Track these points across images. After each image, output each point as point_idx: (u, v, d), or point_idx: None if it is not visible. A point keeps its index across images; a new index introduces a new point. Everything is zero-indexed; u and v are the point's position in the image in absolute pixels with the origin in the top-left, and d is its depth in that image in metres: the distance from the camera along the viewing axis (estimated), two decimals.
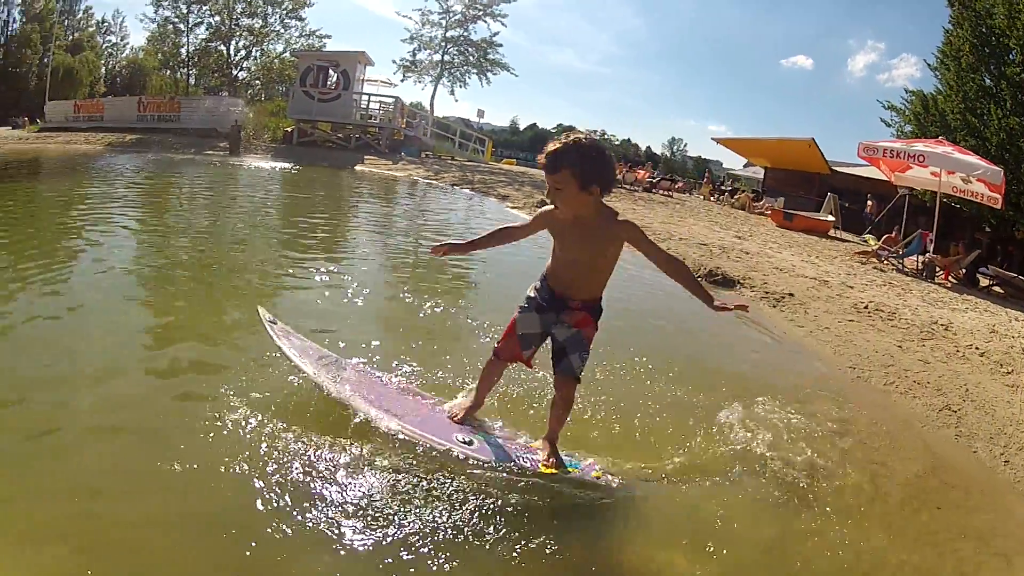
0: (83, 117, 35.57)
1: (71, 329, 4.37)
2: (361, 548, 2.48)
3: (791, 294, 7.63)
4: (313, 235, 8.96)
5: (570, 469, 3.16)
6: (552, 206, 3.00)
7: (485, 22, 37.44)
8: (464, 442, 3.15)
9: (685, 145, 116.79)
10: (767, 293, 7.67)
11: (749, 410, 4.08)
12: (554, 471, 3.11)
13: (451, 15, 37.34)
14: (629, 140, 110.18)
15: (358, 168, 24.10)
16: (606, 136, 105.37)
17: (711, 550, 2.85)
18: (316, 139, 30.18)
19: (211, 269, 6.47)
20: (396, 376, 3.85)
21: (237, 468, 2.79)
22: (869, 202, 22.77)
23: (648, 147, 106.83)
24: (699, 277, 7.92)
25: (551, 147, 2.82)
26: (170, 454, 2.87)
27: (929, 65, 22.69)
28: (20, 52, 50.36)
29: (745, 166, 33.43)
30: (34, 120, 37.74)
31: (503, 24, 37.96)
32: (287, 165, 22.84)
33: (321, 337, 4.26)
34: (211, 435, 3.03)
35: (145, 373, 3.76)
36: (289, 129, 30.72)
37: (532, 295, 3.24)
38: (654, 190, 25.58)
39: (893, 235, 15.21)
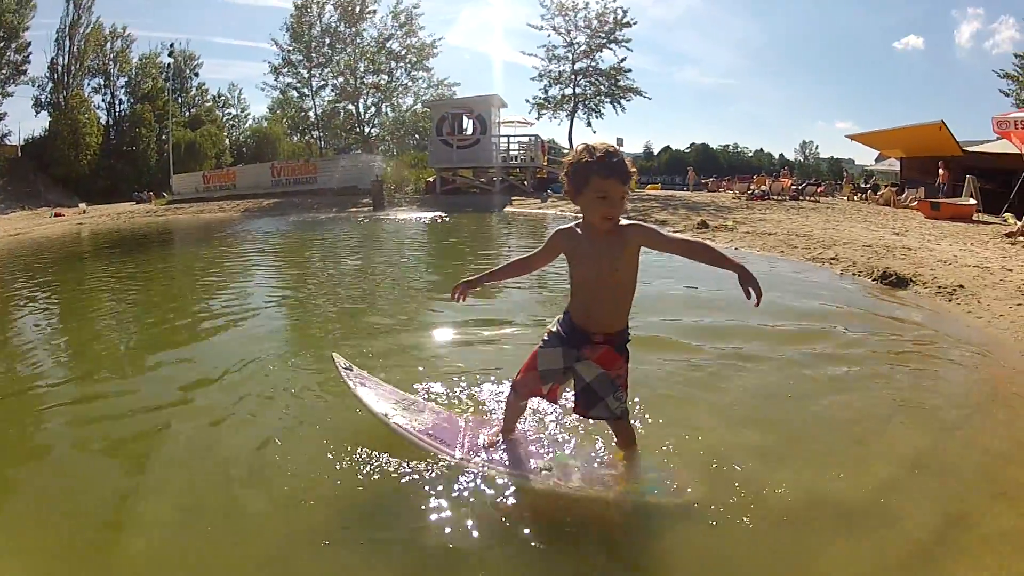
0: (214, 187, 37.23)
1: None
2: None
3: (961, 286, 8.01)
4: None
5: (649, 495, 3.12)
6: (567, 225, 3.07)
7: (611, 49, 37.87)
8: (543, 470, 3.22)
9: (817, 147, 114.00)
10: (940, 288, 8.02)
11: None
12: (634, 488, 3.16)
13: (576, 47, 38.03)
14: (762, 150, 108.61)
15: (506, 210, 24.71)
16: (738, 149, 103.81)
17: None
18: (459, 186, 30.75)
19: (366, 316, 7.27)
20: (468, 412, 3.97)
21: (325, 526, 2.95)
22: (941, 172, 22.41)
23: (781, 154, 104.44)
24: (873, 279, 8.63)
25: (616, 154, 2.82)
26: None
27: None
28: (134, 131, 52.80)
29: (877, 159, 32.87)
30: (160, 194, 39.22)
31: (628, 49, 38.19)
32: (433, 214, 23.48)
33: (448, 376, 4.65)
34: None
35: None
36: (431, 179, 31.37)
37: (554, 329, 3.22)
38: (801, 197, 25.75)
39: None
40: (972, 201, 19.29)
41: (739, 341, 5.72)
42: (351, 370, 3.92)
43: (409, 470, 3.27)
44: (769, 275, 9.34)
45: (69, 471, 3.59)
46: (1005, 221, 17.40)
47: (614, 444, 3.36)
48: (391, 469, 3.30)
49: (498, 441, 3.47)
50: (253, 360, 5.31)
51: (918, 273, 8.86)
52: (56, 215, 31.42)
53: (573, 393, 3.19)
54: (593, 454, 3.44)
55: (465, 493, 3.11)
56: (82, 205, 36.28)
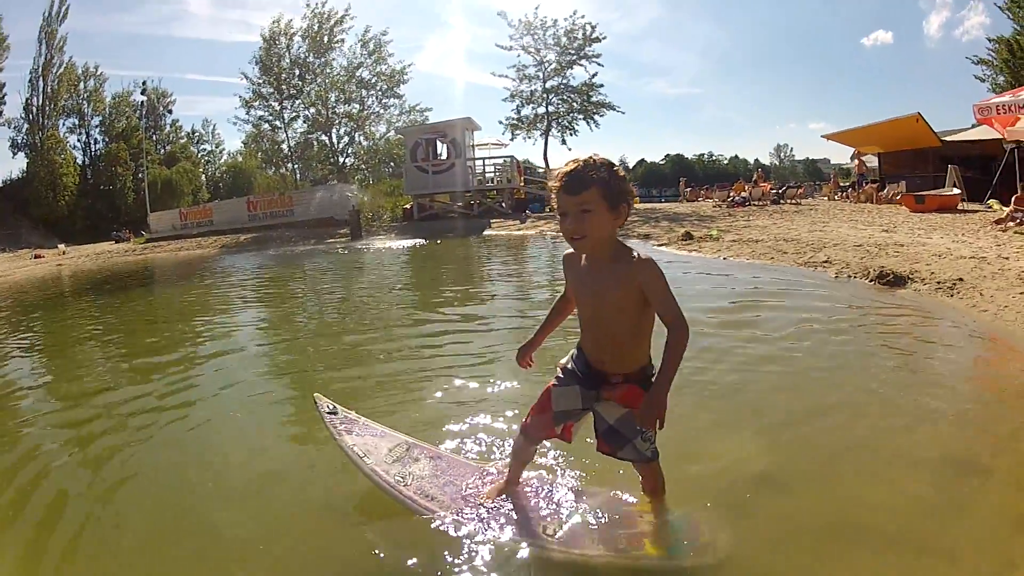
0: (191, 223, 37.07)
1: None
2: None
3: (960, 279, 7.86)
4: (446, 307, 9.25)
5: (675, 557, 2.74)
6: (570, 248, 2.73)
7: (581, 65, 37.73)
8: (550, 535, 2.80)
9: (792, 150, 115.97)
10: (939, 284, 7.85)
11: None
12: (659, 552, 2.78)
13: (546, 66, 37.86)
14: (736, 156, 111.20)
15: (486, 233, 24.40)
16: (713, 157, 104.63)
17: None
18: (437, 212, 30.66)
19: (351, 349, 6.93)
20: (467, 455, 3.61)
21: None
22: (856, 162, 23.81)
23: (756, 159, 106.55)
24: (870, 280, 8.50)
25: (570, 166, 2.54)
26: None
27: (999, 7, 22.25)
28: (111, 170, 53.15)
29: (852, 158, 33.19)
30: (138, 233, 39.11)
31: (599, 64, 38.11)
32: (413, 242, 23.30)
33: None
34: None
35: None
36: (408, 206, 31.28)
37: (569, 366, 2.86)
38: (782, 200, 25.92)
39: (1020, 194, 14.83)
40: (956, 191, 19.49)
41: (748, 357, 5.50)
42: (335, 414, 3.54)
43: (402, 535, 2.94)
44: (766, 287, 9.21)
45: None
46: (990, 208, 17.63)
47: (640, 490, 2.96)
48: (377, 534, 2.98)
49: (503, 494, 3.06)
50: (231, 406, 5.06)
51: (914, 270, 8.71)
52: (36, 256, 31.50)
53: (595, 431, 2.85)
54: (612, 506, 2.99)
55: (462, 563, 2.70)
56: (61, 246, 36.09)
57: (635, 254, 2.56)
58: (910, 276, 8.41)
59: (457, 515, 2.94)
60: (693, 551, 2.75)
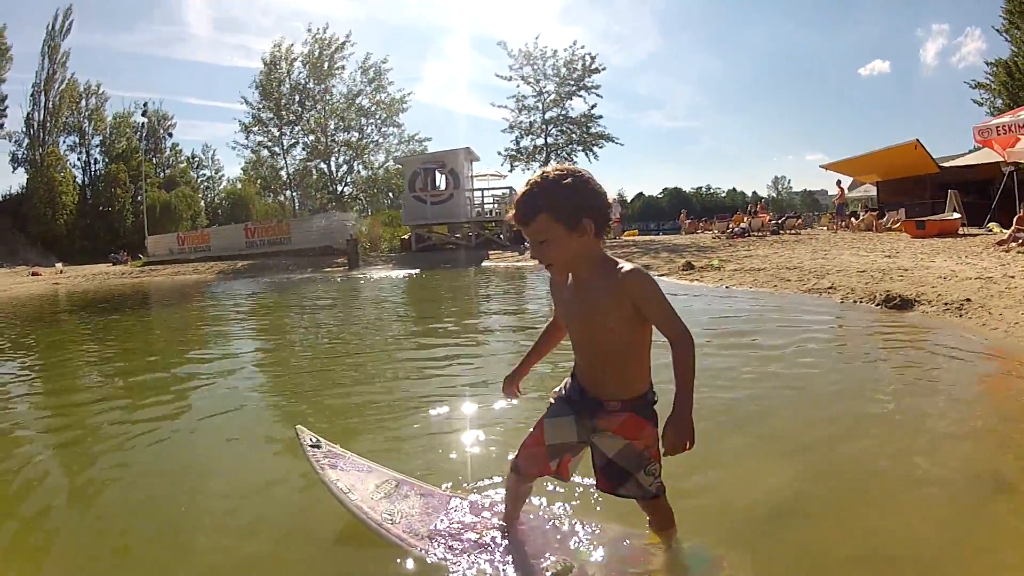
0: (189, 248, 37.09)
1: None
2: None
3: (968, 299, 7.81)
4: (442, 335, 9.01)
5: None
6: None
7: (581, 96, 38.07)
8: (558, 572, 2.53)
9: (789, 181, 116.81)
10: (947, 304, 7.80)
11: None
12: None
13: (545, 96, 38.14)
14: (735, 189, 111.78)
15: (484, 264, 24.38)
16: (711, 190, 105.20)
17: None
18: (435, 242, 30.54)
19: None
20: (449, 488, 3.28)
21: None
22: (838, 190, 25.62)
23: (754, 191, 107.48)
24: (876, 304, 8.44)
25: (520, 193, 2.34)
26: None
27: (996, 30, 22.39)
28: (109, 191, 53.66)
29: (851, 187, 33.37)
30: (135, 256, 39.28)
31: (599, 95, 38.40)
32: (410, 272, 23.13)
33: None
34: None
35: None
36: (406, 236, 31.19)
37: (563, 394, 2.61)
38: (781, 231, 25.96)
39: (1022, 214, 14.89)
40: (956, 215, 19.65)
41: (759, 382, 5.33)
42: (318, 447, 3.22)
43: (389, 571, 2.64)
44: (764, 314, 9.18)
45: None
46: (991, 231, 17.74)
47: (647, 527, 2.65)
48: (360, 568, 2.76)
49: (499, 533, 2.75)
50: (213, 433, 4.79)
51: (920, 292, 8.67)
52: (33, 274, 32.00)
53: (593, 467, 2.55)
54: (619, 544, 2.69)
55: None
56: (59, 265, 36.45)
57: (621, 267, 2.29)
58: (917, 299, 8.35)
59: (449, 555, 2.63)
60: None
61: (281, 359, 8.23)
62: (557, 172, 2.29)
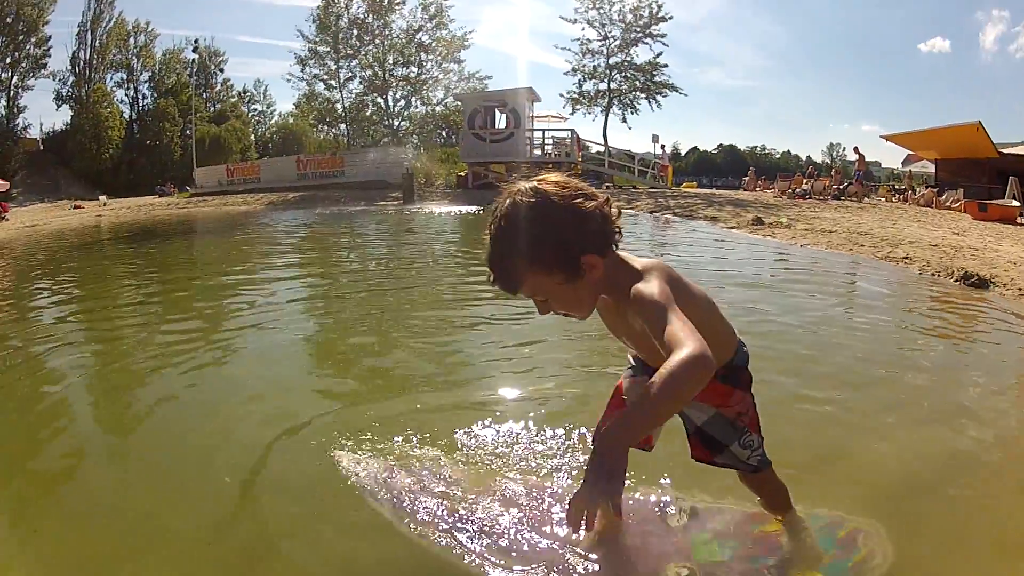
0: (238, 180, 36.71)
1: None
2: None
3: None
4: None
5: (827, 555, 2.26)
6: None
7: (646, 43, 37.36)
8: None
9: (844, 149, 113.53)
10: (1021, 290, 7.59)
11: None
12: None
13: (610, 41, 37.52)
14: (789, 152, 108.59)
15: None
16: (766, 151, 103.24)
17: None
18: (492, 181, 29.90)
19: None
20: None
21: None
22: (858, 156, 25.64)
23: (808, 156, 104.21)
24: (955, 280, 8.19)
25: (486, 250, 1.87)
26: None
27: None
28: (157, 125, 53.53)
29: (905, 162, 32.53)
30: (182, 188, 39.36)
31: (664, 44, 37.55)
32: (466, 208, 22.81)
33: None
34: None
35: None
36: (463, 173, 30.90)
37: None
38: (843, 197, 25.31)
39: None
40: (1016, 203, 19.30)
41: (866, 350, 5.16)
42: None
43: None
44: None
45: None
46: None
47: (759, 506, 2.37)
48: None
49: (605, 536, 2.29)
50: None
51: (994, 274, 8.48)
52: (76, 207, 31.63)
53: (686, 435, 2.23)
54: (742, 528, 2.35)
55: None
56: (103, 198, 36.05)
57: (633, 278, 1.78)
58: (992, 280, 8.18)
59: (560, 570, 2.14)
60: (853, 571, 2.21)
61: (330, 289, 8.42)
62: (522, 206, 1.79)
